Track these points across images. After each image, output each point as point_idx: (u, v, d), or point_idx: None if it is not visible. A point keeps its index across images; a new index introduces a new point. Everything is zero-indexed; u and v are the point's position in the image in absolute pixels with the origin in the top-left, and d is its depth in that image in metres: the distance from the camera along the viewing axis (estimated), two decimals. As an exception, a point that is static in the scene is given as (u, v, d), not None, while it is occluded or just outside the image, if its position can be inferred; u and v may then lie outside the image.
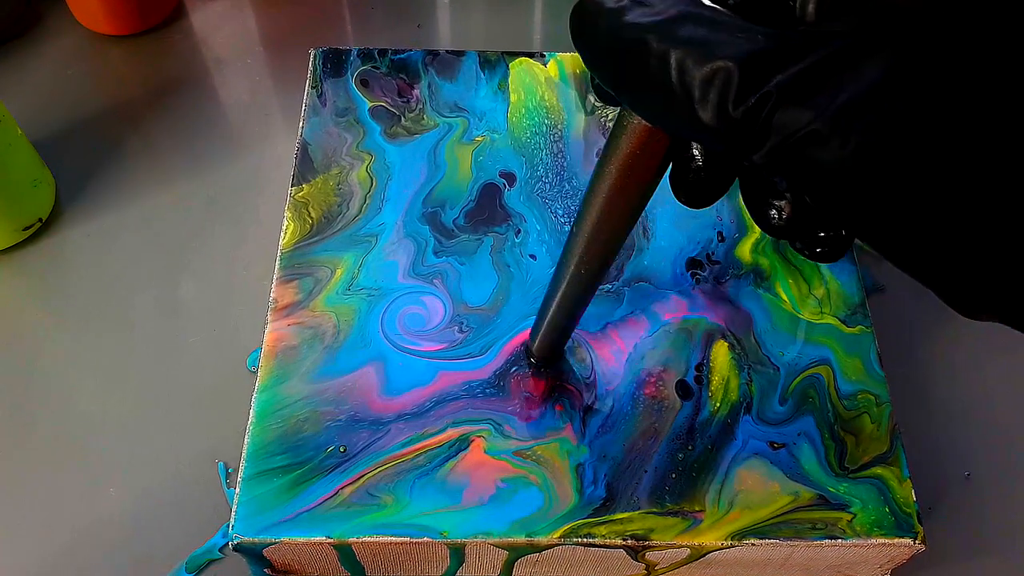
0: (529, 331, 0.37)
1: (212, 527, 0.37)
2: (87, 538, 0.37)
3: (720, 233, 0.40)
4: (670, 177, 0.26)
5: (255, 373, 0.36)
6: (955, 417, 0.41)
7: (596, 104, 0.44)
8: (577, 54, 0.45)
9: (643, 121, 0.25)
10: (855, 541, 0.32)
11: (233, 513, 0.32)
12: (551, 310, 0.34)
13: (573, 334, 0.36)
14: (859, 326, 0.38)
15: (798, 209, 0.23)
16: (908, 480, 0.34)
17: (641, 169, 0.27)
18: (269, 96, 0.52)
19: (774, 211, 0.23)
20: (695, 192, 0.25)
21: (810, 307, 0.38)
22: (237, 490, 0.33)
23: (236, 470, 0.38)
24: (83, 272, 0.44)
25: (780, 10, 0.21)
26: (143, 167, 0.48)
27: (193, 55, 0.53)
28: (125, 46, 0.53)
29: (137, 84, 0.51)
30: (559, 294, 0.32)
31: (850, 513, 0.33)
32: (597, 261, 0.31)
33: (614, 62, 0.22)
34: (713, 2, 0.21)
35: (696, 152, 0.24)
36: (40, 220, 0.45)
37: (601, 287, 0.38)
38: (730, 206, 0.41)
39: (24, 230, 0.44)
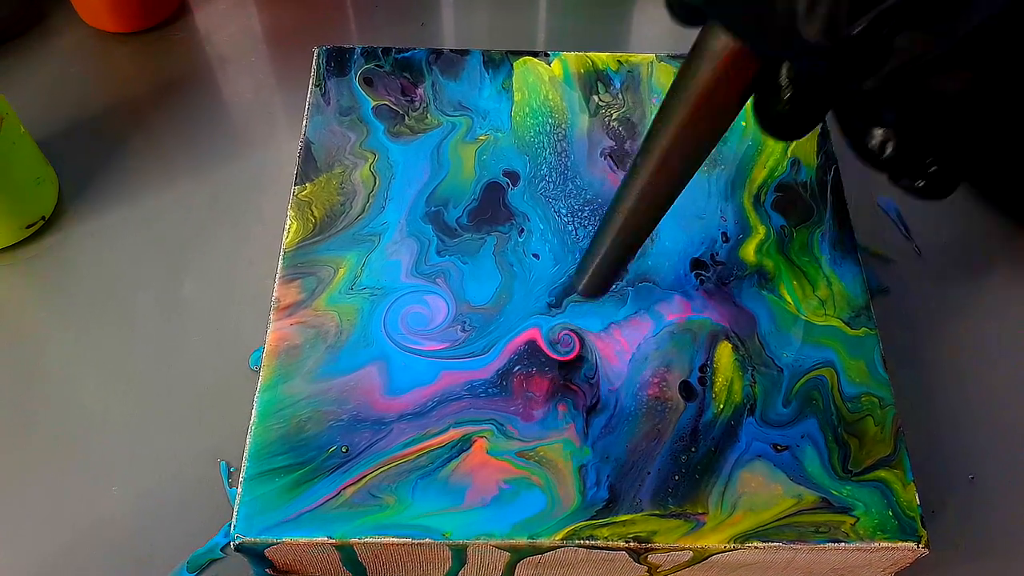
0: (532, 329, 0.37)
1: (214, 526, 0.37)
2: (88, 537, 0.37)
3: (724, 234, 0.40)
4: (755, 108, 0.25)
5: (257, 372, 0.36)
6: (959, 419, 0.41)
7: (600, 103, 0.44)
8: (581, 54, 0.46)
9: (730, 42, 0.23)
10: (858, 545, 0.32)
11: (235, 513, 0.32)
12: (606, 245, 0.32)
13: (581, 333, 0.36)
14: (863, 328, 0.38)
15: (903, 139, 0.21)
16: (912, 483, 0.34)
17: (722, 97, 0.25)
18: (273, 94, 0.52)
19: (876, 141, 0.22)
20: (783, 124, 0.23)
21: (813, 308, 0.38)
22: (239, 490, 0.33)
23: (238, 469, 0.38)
24: (86, 270, 0.44)
25: None
26: (146, 165, 0.48)
27: (197, 53, 0.53)
28: (129, 44, 0.53)
29: (140, 82, 0.51)
30: (617, 228, 0.31)
31: (853, 516, 0.33)
32: (662, 195, 0.30)
33: None
34: None
35: (784, 80, 0.22)
36: (43, 218, 0.45)
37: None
38: (735, 206, 0.41)
39: (27, 228, 0.44)
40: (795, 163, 0.43)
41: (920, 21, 0.18)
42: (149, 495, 0.38)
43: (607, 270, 0.35)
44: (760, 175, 0.42)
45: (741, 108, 0.26)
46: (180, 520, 0.38)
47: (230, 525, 0.32)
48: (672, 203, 0.31)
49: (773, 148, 0.43)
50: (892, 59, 0.18)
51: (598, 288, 0.36)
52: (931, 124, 0.19)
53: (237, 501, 0.32)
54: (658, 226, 0.40)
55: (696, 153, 0.28)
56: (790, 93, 0.23)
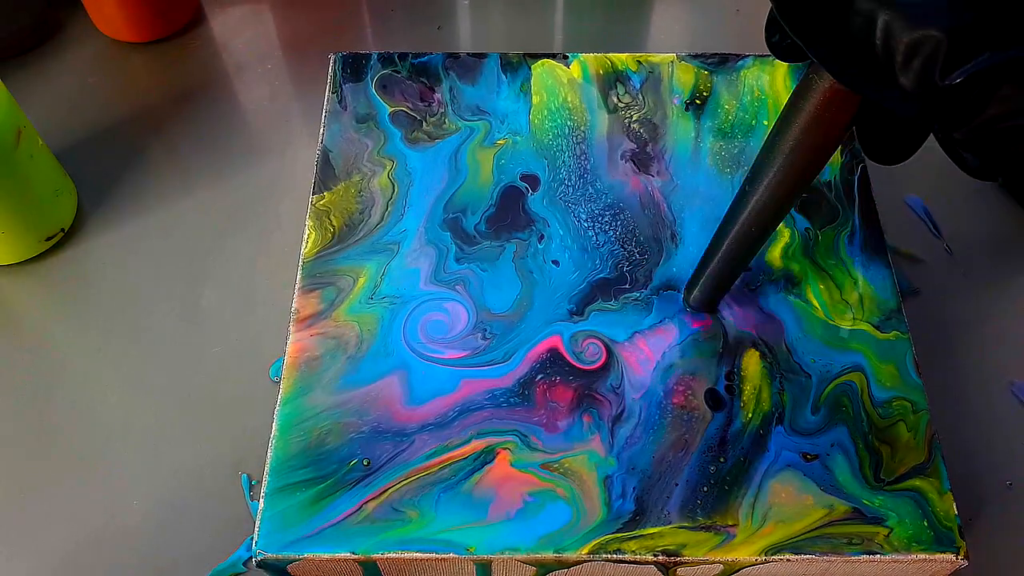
0: (554, 336, 0.36)
1: (236, 539, 0.37)
2: (109, 550, 0.37)
3: (749, 237, 0.39)
4: (858, 136, 0.26)
5: (278, 383, 0.36)
6: (995, 423, 0.40)
7: (619, 104, 0.44)
8: (600, 55, 0.45)
9: (833, 83, 0.25)
10: (894, 556, 0.31)
11: (256, 528, 0.32)
12: (714, 263, 0.34)
13: (606, 341, 0.36)
14: (894, 331, 0.37)
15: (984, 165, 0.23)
16: (949, 492, 0.33)
17: (826, 129, 0.27)
18: (290, 101, 0.51)
19: (970, 157, 0.23)
20: (885, 153, 0.25)
21: (842, 313, 0.37)
22: (260, 505, 0.32)
23: (259, 482, 0.38)
24: (105, 282, 0.44)
25: None
26: (164, 175, 0.48)
27: (213, 61, 0.53)
28: (145, 53, 0.53)
29: (157, 91, 0.51)
30: (724, 248, 0.33)
31: (887, 527, 0.32)
32: (769, 219, 0.31)
33: (812, 16, 0.22)
34: None
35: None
36: (62, 230, 0.45)
37: (628, 295, 0.37)
38: (759, 209, 0.40)
39: (46, 240, 0.44)
40: (820, 163, 0.42)
41: (1014, 77, 0.19)
42: (170, 507, 0.38)
43: (715, 288, 0.36)
44: (785, 176, 0.41)
45: (846, 136, 0.27)
46: (201, 533, 0.37)
47: (252, 539, 0.32)
48: (779, 224, 0.32)
49: (798, 148, 0.42)
50: (986, 110, 0.19)
51: (706, 305, 0.37)
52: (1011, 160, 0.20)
53: (258, 516, 0.32)
54: (683, 230, 0.39)
55: (802, 179, 0.30)
56: (889, 125, 0.25)
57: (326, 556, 0.31)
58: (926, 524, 0.32)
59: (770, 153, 0.29)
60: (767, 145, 0.29)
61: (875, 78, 0.21)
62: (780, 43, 0.26)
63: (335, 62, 0.45)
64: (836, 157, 0.42)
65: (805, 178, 0.30)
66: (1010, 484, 0.38)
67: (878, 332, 0.37)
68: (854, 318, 0.37)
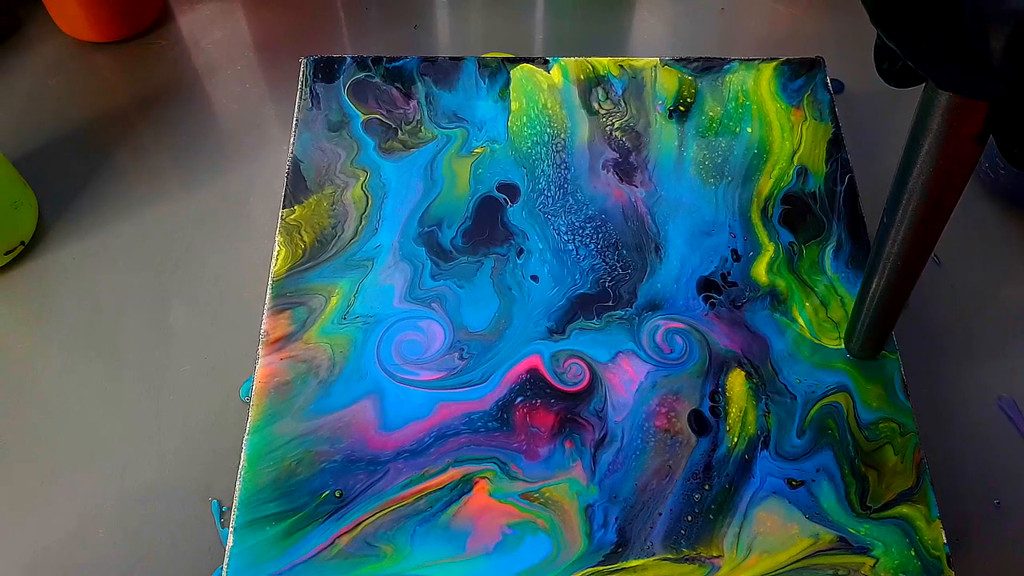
0: (534, 356, 0.35)
1: (207, 568, 0.36)
2: (76, 581, 0.36)
3: (734, 251, 0.38)
4: (997, 145, 0.26)
5: (248, 403, 0.35)
6: (983, 440, 0.39)
7: (601, 111, 0.42)
8: (581, 60, 0.43)
9: (952, 95, 0.25)
10: (881, 588, 0.31)
11: (225, 565, 0.31)
12: (872, 307, 0.33)
13: (589, 362, 0.35)
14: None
15: None
16: (937, 520, 0.32)
17: (956, 145, 0.26)
18: (262, 103, 0.50)
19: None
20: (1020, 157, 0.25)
21: (828, 332, 0.36)
22: (230, 541, 0.31)
23: (230, 508, 0.36)
24: (68, 297, 0.42)
25: None
26: (130, 183, 0.46)
27: (181, 62, 0.51)
28: (109, 53, 0.51)
29: (123, 94, 0.49)
30: (879, 290, 0.32)
31: (873, 557, 0.31)
32: (914, 253, 0.30)
33: (928, 42, 0.22)
34: None
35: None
36: (22, 243, 0.43)
37: (612, 313, 0.36)
38: (744, 221, 0.39)
39: (6, 254, 0.42)
40: (801, 172, 0.41)
41: None
42: (138, 536, 0.36)
43: (879, 329, 0.34)
44: (766, 186, 0.40)
45: (982, 149, 0.27)
46: (171, 562, 0.36)
47: (222, 569, 0.31)
48: (928, 256, 0.31)
49: (778, 155, 0.41)
50: None
51: (870, 353, 0.35)
52: None
53: (227, 552, 0.31)
54: (667, 245, 0.38)
55: (942, 204, 0.29)
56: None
57: (297, 594, 0.30)
58: (913, 554, 0.31)
59: (906, 184, 0.28)
60: (901, 174, 0.29)
61: (973, 73, 0.21)
62: (891, 69, 0.26)
63: (306, 67, 0.43)
64: (820, 165, 0.41)
65: (946, 203, 0.29)
66: (998, 503, 0.37)
67: (865, 349, 0.36)
68: (840, 337, 0.36)
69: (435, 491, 0.32)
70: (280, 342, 0.35)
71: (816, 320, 0.36)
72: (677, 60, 0.44)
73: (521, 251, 0.38)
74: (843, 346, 0.36)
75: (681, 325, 0.36)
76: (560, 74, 0.43)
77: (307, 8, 0.53)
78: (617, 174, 0.41)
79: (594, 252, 0.38)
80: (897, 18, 0.23)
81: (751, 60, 0.44)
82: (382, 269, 0.37)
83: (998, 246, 0.44)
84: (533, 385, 0.35)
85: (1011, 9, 0.20)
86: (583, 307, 0.37)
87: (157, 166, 0.47)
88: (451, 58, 0.44)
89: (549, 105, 0.43)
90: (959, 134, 0.26)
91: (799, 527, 0.32)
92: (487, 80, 0.43)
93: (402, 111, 0.42)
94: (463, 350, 0.36)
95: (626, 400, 0.34)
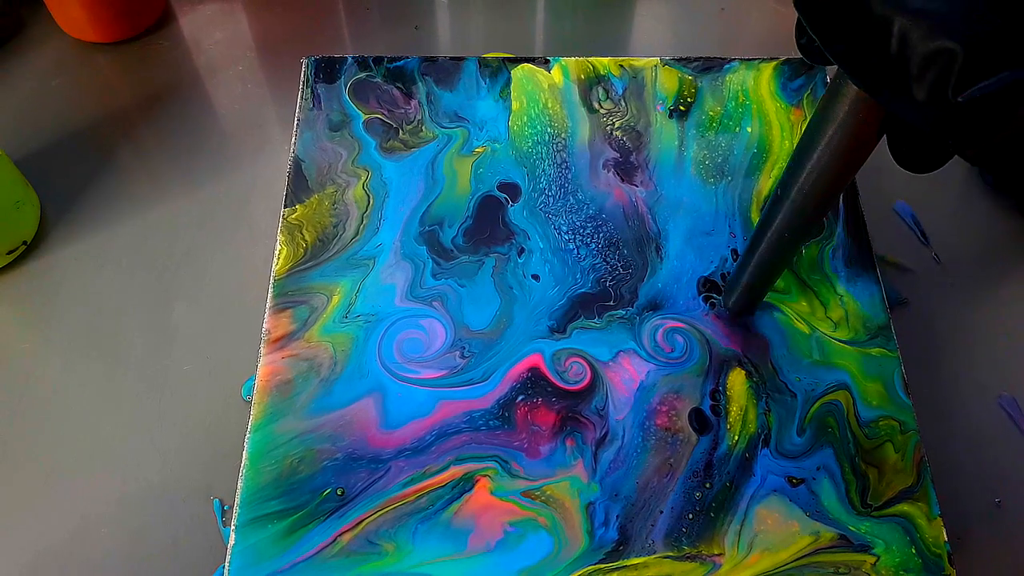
0: (535, 355, 0.36)
1: (209, 566, 0.36)
2: (79, 580, 0.36)
3: (735, 251, 0.38)
4: (888, 143, 0.26)
5: (250, 402, 0.35)
6: (983, 438, 0.39)
7: (602, 110, 0.42)
8: (581, 59, 0.44)
9: (859, 90, 0.25)
10: (881, 586, 0.31)
11: (227, 563, 0.31)
12: (750, 268, 0.34)
13: (590, 361, 0.35)
14: (880, 348, 0.36)
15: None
16: (938, 518, 0.32)
17: (854, 135, 0.27)
18: (264, 103, 0.50)
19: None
20: (914, 161, 0.25)
21: (827, 330, 0.36)
22: (231, 539, 0.31)
23: (231, 507, 0.37)
24: (70, 297, 0.42)
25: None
26: (132, 183, 0.46)
27: (183, 62, 0.51)
28: (111, 54, 0.51)
29: (125, 95, 0.50)
30: (759, 254, 0.33)
31: (873, 555, 0.31)
32: (802, 225, 0.31)
33: (832, 14, 0.21)
34: None
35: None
36: (24, 243, 0.43)
37: (613, 312, 0.36)
38: (743, 220, 0.39)
39: (8, 254, 0.42)
40: (807, 171, 0.41)
41: None
42: (140, 535, 0.36)
43: (750, 295, 0.35)
44: (766, 185, 0.40)
45: (875, 144, 0.27)
46: (173, 560, 0.36)
47: (224, 568, 0.31)
48: (814, 229, 0.32)
49: (778, 155, 0.41)
50: (1002, 131, 0.18)
51: (742, 309, 0.36)
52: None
53: (229, 550, 0.31)
54: (667, 244, 0.38)
55: (834, 185, 0.29)
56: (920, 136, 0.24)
57: (299, 592, 0.30)
58: (914, 551, 0.31)
59: (801, 159, 0.29)
60: (798, 150, 0.29)
61: (891, 85, 0.20)
62: (808, 45, 0.25)
63: (307, 67, 0.43)
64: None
65: (837, 184, 0.29)
66: (999, 502, 0.37)
67: (864, 349, 0.36)
68: (839, 335, 0.36)
69: (436, 489, 0.32)
70: (282, 341, 0.35)
71: (815, 319, 0.36)
72: (677, 60, 0.44)
73: (522, 250, 0.38)
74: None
75: (682, 324, 0.36)
76: (561, 74, 0.43)
77: (308, 9, 0.54)
78: (618, 173, 0.41)
79: (595, 251, 0.38)
80: (823, 16, 0.22)
81: (751, 60, 0.44)
82: (383, 268, 0.38)
83: (998, 244, 0.45)
84: (534, 383, 0.35)
85: (939, 47, 0.19)
86: (584, 306, 0.37)
87: (159, 166, 0.47)
88: (452, 58, 0.44)
89: (550, 105, 0.43)
90: (858, 126, 0.26)
91: (800, 525, 0.32)
92: (488, 80, 0.43)
93: (403, 111, 0.42)
94: (464, 348, 0.36)
95: (627, 399, 0.35)
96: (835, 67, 0.25)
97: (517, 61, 0.44)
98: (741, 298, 0.36)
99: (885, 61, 0.20)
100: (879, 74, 0.20)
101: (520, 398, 0.34)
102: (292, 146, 0.41)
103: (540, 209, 0.40)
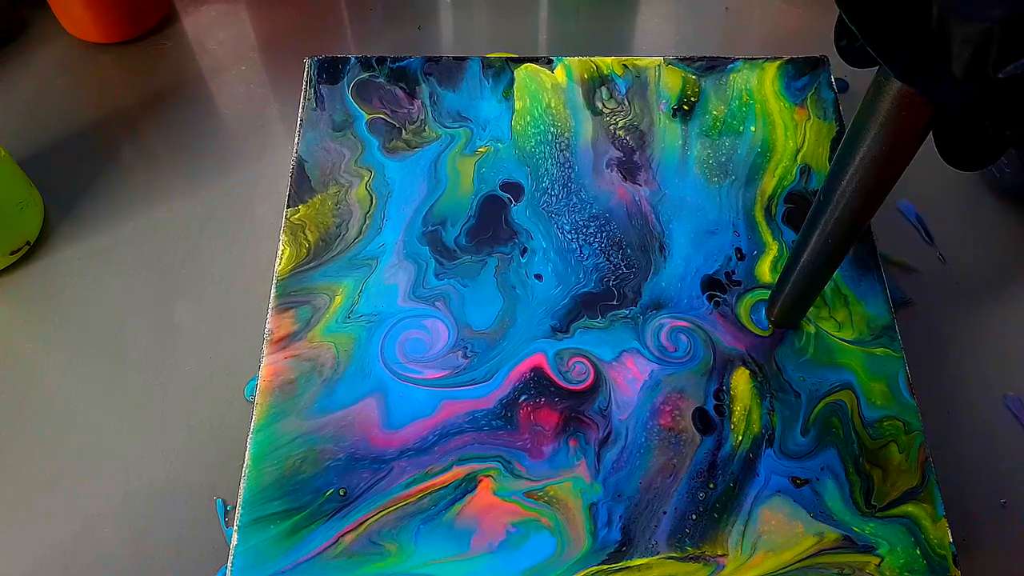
0: (538, 355, 0.35)
1: (211, 566, 0.36)
2: (81, 580, 0.36)
3: (739, 250, 0.38)
4: (936, 142, 0.26)
5: (252, 402, 0.35)
6: (988, 438, 0.39)
7: (605, 110, 0.42)
8: (585, 59, 0.44)
9: (903, 85, 0.24)
10: (886, 587, 0.31)
11: (230, 563, 0.31)
12: (793, 279, 0.33)
13: (593, 360, 0.35)
14: (884, 348, 0.36)
15: None
16: (943, 519, 0.32)
17: (900, 135, 0.26)
18: (267, 103, 0.50)
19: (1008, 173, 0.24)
20: (962, 156, 0.24)
21: (832, 330, 0.36)
22: (234, 539, 0.31)
23: (234, 507, 0.36)
24: (74, 297, 0.42)
25: None
26: (136, 183, 0.46)
27: (186, 62, 0.51)
28: (115, 54, 0.51)
29: (128, 95, 0.50)
30: (803, 263, 0.32)
31: (878, 556, 0.31)
32: (847, 232, 0.30)
33: (870, 7, 0.22)
34: None
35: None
36: (28, 243, 0.43)
37: (617, 312, 0.36)
38: (748, 219, 0.39)
39: (11, 254, 0.42)
40: (805, 170, 0.41)
41: None
42: (143, 535, 0.36)
43: (798, 301, 0.34)
44: (770, 184, 0.40)
45: (921, 142, 0.26)
46: (176, 561, 0.36)
47: (226, 568, 0.31)
48: (858, 235, 0.31)
49: (782, 154, 0.41)
50: None
51: (786, 320, 0.36)
52: None
53: (231, 550, 0.31)
54: (671, 243, 0.38)
55: (879, 188, 0.29)
56: (967, 132, 0.24)
57: (302, 592, 0.30)
58: (919, 552, 0.31)
59: (844, 163, 0.28)
60: (841, 153, 0.28)
61: (929, 67, 0.21)
62: (848, 47, 0.25)
63: (310, 67, 0.43)
64: (823, 164, 0.41)
65: (882, 187, 0.28)
66: (1004, 503, 0.37)
67: (868, 349, 0.36)
68: (843, 335, 0.36)
69: (439, 489, 0.32)
70: (284, 341, 0.35)
71: (820, 318, 0.36)
72: (681, 59, 0.44)
73: (525, 250, 0.38)
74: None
75: (685, 324, 0.36)
76: (564, 73, 0.43)
77: (311, 9, 0.54)
78: (621, 173, 0.41)
79: (598, 251, 0.38)
80: (864, 7, 0.22)
81: (755, 59, 0.44)
82: (386, 268, 0.38)
83: (1003, 244, 0.44)
84: (537, 383, 0.35)
85: (980, 21, 0.19)
86: (587, 306, 0.37)
87: (162, 166, 0.47)
88: (455, 58, 0.44)
89: (553, 104, 0.43)
90: (904, 124, 0.26)
91: (804, 525, 0.32)
92: (491, 80, 0.43)
93: (406, 111, 0.42)
94: (467, 348, 0.36)
95: (630, 398, 0.34)
96: (874, 69, 0.25)
97: (520, 61, 0.44)
98: (786, 311, 0.35)
99: (924, 42, 0.20)
100: (917, 57, 0.21)
101: (523, 398, 0.34)
102: (295, 146, 0.41)
103: (543, 209, 0.39)
